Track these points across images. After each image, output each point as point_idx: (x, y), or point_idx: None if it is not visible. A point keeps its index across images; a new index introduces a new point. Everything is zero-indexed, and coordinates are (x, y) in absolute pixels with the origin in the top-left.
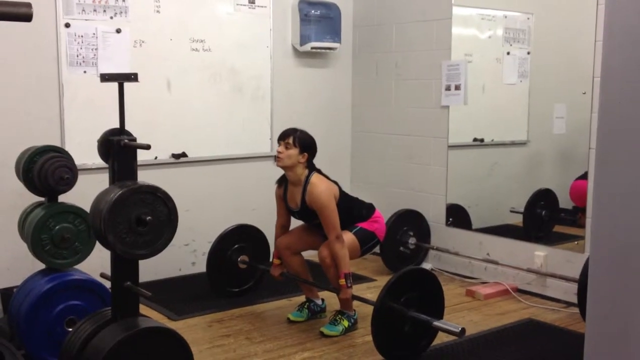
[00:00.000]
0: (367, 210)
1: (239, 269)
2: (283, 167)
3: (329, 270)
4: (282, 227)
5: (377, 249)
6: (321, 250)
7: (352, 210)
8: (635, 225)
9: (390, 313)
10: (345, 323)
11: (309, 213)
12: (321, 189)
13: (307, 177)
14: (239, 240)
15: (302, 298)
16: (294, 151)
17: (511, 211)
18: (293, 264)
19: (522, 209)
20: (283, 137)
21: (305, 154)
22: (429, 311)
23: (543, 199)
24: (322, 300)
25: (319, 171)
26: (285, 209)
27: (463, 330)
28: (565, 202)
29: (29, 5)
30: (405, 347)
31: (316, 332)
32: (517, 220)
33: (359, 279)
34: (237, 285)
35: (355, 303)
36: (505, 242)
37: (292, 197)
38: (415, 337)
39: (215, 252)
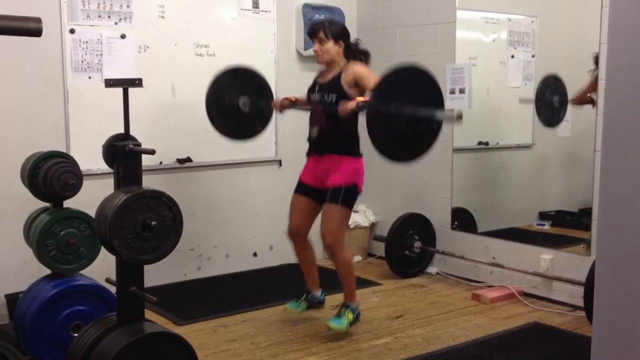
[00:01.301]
0: (357, 150)
1: (242, 113)
2: (324, 63)
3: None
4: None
5: (382, 254)
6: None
7: (353, 132)
8: None
9: (385, 115)
10: (350, 316)
11: (332, 86)
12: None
13: (348, 63)
14: (237, 85)
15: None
16: (330, 44)
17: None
18: (304, 254)
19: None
20: (313, 33)
21: (341, 41)
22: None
23: None
24: (322, 292)
25: (358, 51)
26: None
27: (460, 114)
28: (570, 204)
29: (38, 20)
30: (410, 147)
31: (322, 337)
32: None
33: (364, 283)
34: (246, 128)
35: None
36: (511, 245)
37: (324, 75)
38: (419, 135)
39: (212, 97)
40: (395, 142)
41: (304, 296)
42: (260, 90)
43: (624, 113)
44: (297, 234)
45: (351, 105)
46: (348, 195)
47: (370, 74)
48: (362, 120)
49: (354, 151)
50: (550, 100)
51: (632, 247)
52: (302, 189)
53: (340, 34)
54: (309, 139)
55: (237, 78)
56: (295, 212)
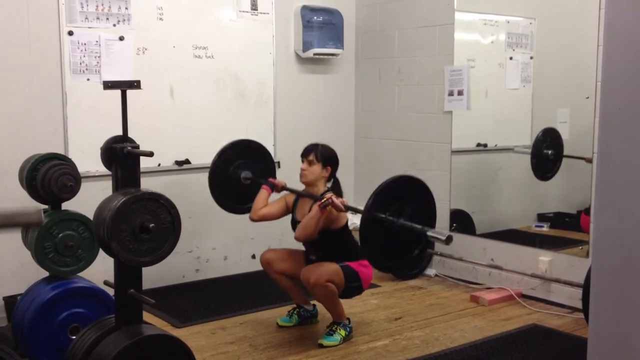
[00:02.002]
0: (359, 252)
1: (243, 185)
2: (306, 183)
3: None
4: (263, 210)
5: None
6: (304, 273)
7: (348, 243)
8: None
9: (378, 222)
10: (342, 332)
11: None
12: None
13: (323, 194)
14: (240, 157)
15: None
16: (317, 167)
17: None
18: (280, 278)
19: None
20: (305, 154)
21: (329, 167)
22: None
23: None
24: (314, 306)
25: (338, 184)
26: (283, 211)
27: (450, 237)
28: (568, 206)
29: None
30: (397, 257)
31: (318, 342)
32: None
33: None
34: (243, 202)
35: (349, 306)
36: (509, 247)
37: (301, 207)
38: (407, 247)
39: (217, 168)
40: (384, 251)
41: (295, 310)
42: (264, 167)
43: (619, 116)
44: (270, 266)
45: (315, 209)
46: (348, 270)
47: (335, 220)
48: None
49: (354, 254)
50: (547, 155)
51: (628, 250)
52: (306, 254)
53: (330, 160)
54: (309, 260)
55: (243, 151)
56: (284, 252)
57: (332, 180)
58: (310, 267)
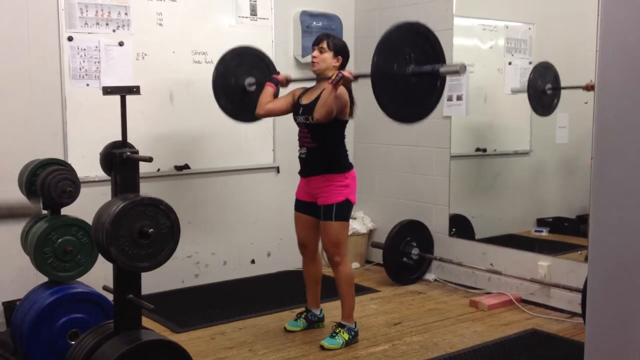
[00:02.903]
0: (345, 163)
1: (249, 92)
2: (317, 71)
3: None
4: (270, 105)
5: (380, 261)
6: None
7: (342, 145)
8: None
9: (389, 77)
10: (346, 336)
11: (315, 106)
12: (344, 90)
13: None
14: (241, 64)
15: (303, 308)
16: (329, 55)
17: None
18: (311, 270)
19: None
20: (317, 42)
21: (339, 57)
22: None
23: None
24: (321, 310)
25: None
26: (289, 105)
27: (463, 66)
28: (567, 211)
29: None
30: (417, 104)
31: (319, 345)
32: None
33: (362, 290)
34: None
35: (356, 312)
36: (508, 252)
37: (308, 96)
38: (425, 91)
39: (218, 76)
40: (401, 102)
41: (303, 314)
42: (266, 70)
43: (615, 123)
44: (305, 247)
45: (328, 87)
46: (340, 211)
47: (340, 98)
48: (348, 133)
49: (342, 167)
50: (543, 89)
51: (625, 255)
52: (299, 206)
53: (341, 50)
54: (299, 160)
55: (243, 59)
56: (298, 227)
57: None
58: (322, 242)
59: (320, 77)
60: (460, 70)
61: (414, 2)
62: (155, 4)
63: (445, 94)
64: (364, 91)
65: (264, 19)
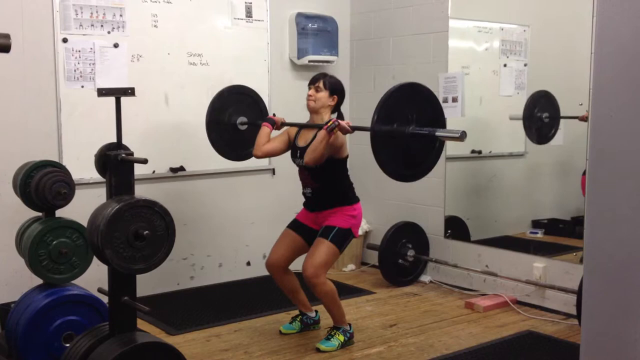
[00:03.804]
0: (353, 196)
1: (240, 131)
2: (312, 110)
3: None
4: (267, 146)
5: (375, 262)
6: (303, 271)
7: (345, 180)
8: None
9: (388, 136)
10: (341, 337)
11: None
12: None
13: (328, 121)
14: (235, 103)
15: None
16: (324, 94)
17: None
18: (285, 283)
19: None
20: (313, 81)
21: (335, 96)
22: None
23: None
24: (316, 312)
25: (342, 116)
26: (286, 145)
27: (463, 133)
28: (562, 213)
29: (7, 36)
30: (414, 165)
31: (315, 347)
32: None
33: (357, 292)
34: (244, 148)
35: (349, 313)
36: (504, 253)
37: (304, 136)
38: (422, 153)
39: (213, 115)
40: (399, 161)
41: (298, 317)
42: (259, 112)
43: (610, 124)
44: (275, 267)
45: (322, 133)
46: (340, 235)
47: (338, 148)
48: (350, 166)
49: (349, 200)
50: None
51: (619, 256)
52: (295, 225)
53: (337, 89)
54: (304, 197)
55: (239, 97)
56: (280, 245)
57: (336, 113)
58: (305, 259)
59: (311, 125)
60: (460, 136)
61: (409, 4)
62: (151, 6)
63: (441, 95)
64: (359, 96)
65: (259, 20)
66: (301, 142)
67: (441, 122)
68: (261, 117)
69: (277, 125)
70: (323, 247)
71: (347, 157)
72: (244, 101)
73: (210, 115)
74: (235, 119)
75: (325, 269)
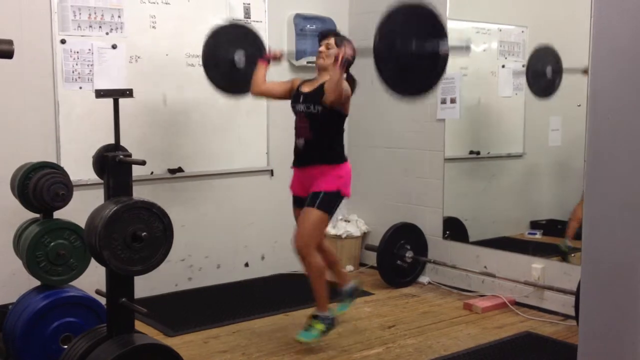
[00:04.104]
0: (342, 155)
1: (236, 68)
2: (322, 67)
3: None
4: (267, 85)
5: (374, 263)
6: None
7: (338, 139)
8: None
9: (389, 54)
10: (320, 326)
11: (317, 96)
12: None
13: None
14: (233, 40)
15: (300, 313)
16: (335, 50)
17: None
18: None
19: None
20: (324, 37)
21: None
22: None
23: None
24: (351, 283)
25: (352, 78)
26: (285, 92)
27: (469, 44)
28: (561, 214)
29: (10, 42)
30: (420, 82)
31: (313, 348)
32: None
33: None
34: (241, 84)
35: (347, 314)
36: (502, 254)
37: (309, 84)
38: (427, 70)
39: (208, 56)
40: (403, 79)
41: (341, 294)
42: (255, 46)
43: (608, 125)
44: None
45: (336, 71)
46: (327, 200)
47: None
48: (346, 124)
49: (338, 158)
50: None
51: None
52: (296, 201)
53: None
54: (295, 150)
55: (233, 33)
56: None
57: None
58: (296, 230)
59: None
60: (465, 48)
61: None
62: (149, 7)
63: (439, 96)
64: (357, 97)
65: (257, 21)
66: (306, 89)
67: (443, 39)
68: (259, 53)
69: (275, 56)
70: (310, 216)
71: (346, 115)
72: (240, 37)
73: (207, 52)
74: (232, 56)
75: (316, 238)
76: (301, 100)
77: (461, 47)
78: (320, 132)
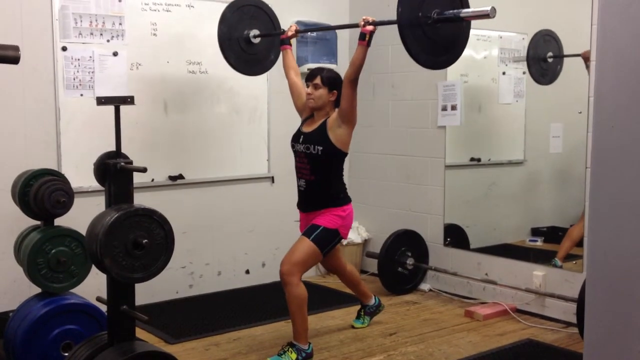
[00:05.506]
0: (344, 197)
1: (253, 44)
2: (314, 109)
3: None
4: (292, 75)
5: (375, 270)
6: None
7: (338, 180)
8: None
9: (415, 24)
10: (293, 355)
11: (317, 136)
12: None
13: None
14: (249, 19)
15: None
16: (323, 91)
17: None
18: (345, 281)
19: None
20: (310, 77)
21: (335, 91)
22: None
23: None
24: (375, 297)
25: None
26: (300, 95)
27: (493, 8)
28: (562, 220)
29: (16, 48)
30: (444, 52)
31: (315, 355)
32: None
33: (357, 300)
34: (258, 61)
35: (348, 320)
36: (503, 262)
37: (309, 123)
38: (452, 38)
39: (223, 35)
40: (429, 50)
41: (362, 311)
42: (269, 22)
43: (612, 134)
44: (334, 271)
45: (361, 48)
46: (323, 236)
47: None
48: (347, 166)
49: (340, 201)
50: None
51: (622, 265)
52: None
53: (335, 83)
54: (298, 192)
55: (243, 12)
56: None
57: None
58: (285, 255)
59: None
60: (490, 12)
61: None
62: (150, 14)
63: (440, 104)
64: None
65: None
66: (306, 128)
67: (465, 3)
68: (273, 28)
69: (292, 35)
70: (303, 246)
71: (346, 154)
72: (252, 14)
73: (222, 32)
74: (247, 34)
75: (302, 269)
76: (301, 140)
77: (485, 13)
78: (321, 173)
